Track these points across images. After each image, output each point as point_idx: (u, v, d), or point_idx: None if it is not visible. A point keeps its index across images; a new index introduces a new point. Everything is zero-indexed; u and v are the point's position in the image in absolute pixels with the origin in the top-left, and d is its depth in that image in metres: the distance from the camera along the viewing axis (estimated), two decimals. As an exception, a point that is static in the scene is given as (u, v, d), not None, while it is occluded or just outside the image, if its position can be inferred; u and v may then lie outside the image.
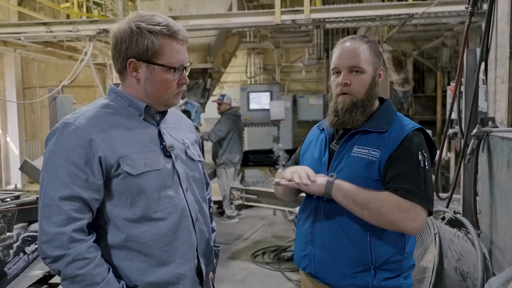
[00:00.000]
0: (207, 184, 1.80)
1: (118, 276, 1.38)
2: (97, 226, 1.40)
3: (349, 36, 1.68)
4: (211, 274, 1.68)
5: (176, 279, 1.43)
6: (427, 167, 1.53)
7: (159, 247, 1.40)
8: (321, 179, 1.55)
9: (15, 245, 2.76)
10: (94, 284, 1.30)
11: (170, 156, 1.46)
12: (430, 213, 1.54)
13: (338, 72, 1.62)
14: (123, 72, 1.44)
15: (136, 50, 1.38)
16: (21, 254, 2.77)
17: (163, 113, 1.52)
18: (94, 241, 1.35)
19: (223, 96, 6.80)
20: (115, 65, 1.46)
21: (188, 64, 1.48)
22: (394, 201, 1.47)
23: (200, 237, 1.51)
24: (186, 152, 1.53)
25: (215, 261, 1.69)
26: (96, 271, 1.31)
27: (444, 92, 8.93)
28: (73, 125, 1.35)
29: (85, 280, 1.30)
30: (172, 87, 1.44)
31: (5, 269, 2.63)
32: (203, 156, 1.75)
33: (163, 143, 1.46)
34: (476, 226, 2.65)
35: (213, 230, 1.75)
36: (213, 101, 6.92)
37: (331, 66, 1.65)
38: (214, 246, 1.73)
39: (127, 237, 1.37)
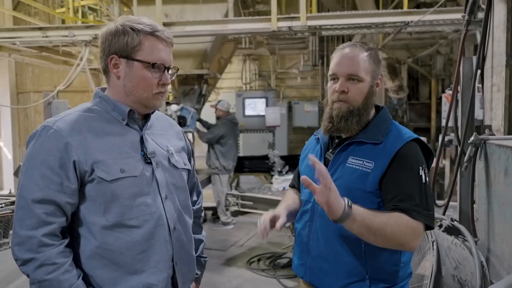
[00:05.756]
0: (199, 193, 1.78)
1: (89, 284, 1.36)
2: (72, 231, 1.39)
3: (350, 42, 1.66)
4: (193, 284, 1.65)
5: None
6: (428, 182, 1.52)
7: (131, 256, 1.38)
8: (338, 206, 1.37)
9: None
10: None
11: (150, 163, 1.44)
12: (431, 228, 1.53)
13: (335, 78, 1.61)
14: (107, 71, 1.45)
15: (117, 46, 1.40)
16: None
17: (148, 118, 1.51)
18: (67, 246, 1.35)
19: (219, 101, 6.82)
20: (101, 65, 1.46)
21: (173, 67, 1.47)
22: (406, 223, 1.44)
23: (178, 247, 1.49)
24: (169, 159, 1.51)
25: (199, 272, 1.67)
26: (64, 277, 1.30)
27: (439, 99, 8.99)
28: (51, 129, 1.35)
29: (52, 286, 1.29)
30: (152, 86, 1.42)
31: None
32: (194, 162, 1.72)
33: (144, 149, 1.45)
34: (473, 233, 2.65)
35: (200, 241, 1.73)
36: (211, 106, 6.93)
37: (329, 72, 1.64)
38: (201, 257, 1.72)
39: (99, 244, 1.36)
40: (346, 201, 1.38)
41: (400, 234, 1.43)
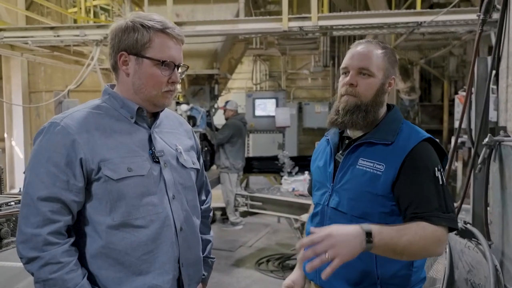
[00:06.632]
0: (207, 192, 1.74)
1: (94, 283, 1.34)
2: (78, 230, 1.37)
3: (366, 39, 1.64)
4: (200, 285, 1.63)
5: None
6: (445, 183, 1.46)
7: (137, 256, 1.36)
8: (355, 238, 1.28)
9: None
10: None
11: (158, 162, 1.42)
12: (455, 229, 1.48)
13: (347, 72, 1.57)
14: (116, 68, 1.43)
15: (126, 42, 1.38)
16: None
17: (157, 117, 1.48)
18: (72, 245, 1.33)
19: (226, 102, 6.81)
20: (110, 62, 1.44)
21: (182, 65, 1.44)
22: (431, 235, 1.38)
23: (184, 248, 1.46)
24: (177, 159, 1.48)
25: (205, 273, 1.64)
26: (69, 276, 1.28)
27: (451, 101, 8.88)
28: (59, 125, 1.33)
29: (57, 285, 1.27)
30: (161, 84, 1.40)
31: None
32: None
33: (153, 148, 1.42)
34: (487, 236, 2.59)
35: (208, 241, 1.70)
36: (219, 108, 6.94)
37: (342, 66, 1.60)
38: (208, 258, 1.69)
39: (105, 244, 1.34)
40: (363, 236, 1.27)
41: (427, 247, 1.39)
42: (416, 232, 1.36)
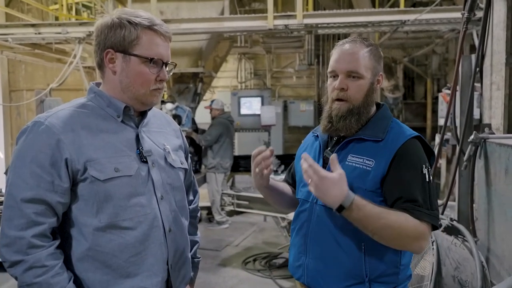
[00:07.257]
0: (195, 192, 1.73)
1: (81, 286, 1.31)
2: (63, 232, 1.33)
3: (349, 38, 1.63)
4: (188, 286, 1.61)
5: None
6: (431, 181, 1.48)
7: (124, 258, 1.33)
8: (338, 196, 1.39)
9: None
10: None
11: (146, 162, 1.39)
12: (436, 228, 1.50)
13: (335, 76, 1.56)
14: (102, 65, 1.39)
15: (113, 39, 1.34)
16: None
17: (144, 116, 1.46)
18: (58, 248, 1.29)
19: (212, 101, 6.75)
20: (95, 59, 1.41)
21: (170, 62, 1.42)
22: (411, 228, 1.41)
23: (173, 249, 1.44)
24: (166, 158, 1.46)
25: (192, 273, 1.63)
26: (55, 280, 1.25)
27: (434, 99, 8.99)
28: (43, 124, 1.29)
29: None
30: (149, 82, 1.37)
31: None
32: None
33: (140, 147, 1.39)
34: (473, 233, 2.63)
35: (195, 243, 1.69)
36: (205, 107, 6.88)
37: (329, 69, 1.59)
38: (195, 258, 1.67)
39: (91, 246, 1.30)
40: (344, 200, 1.38)
41: (402, 238, 1.42)
42: (396, 221, 1.40)
